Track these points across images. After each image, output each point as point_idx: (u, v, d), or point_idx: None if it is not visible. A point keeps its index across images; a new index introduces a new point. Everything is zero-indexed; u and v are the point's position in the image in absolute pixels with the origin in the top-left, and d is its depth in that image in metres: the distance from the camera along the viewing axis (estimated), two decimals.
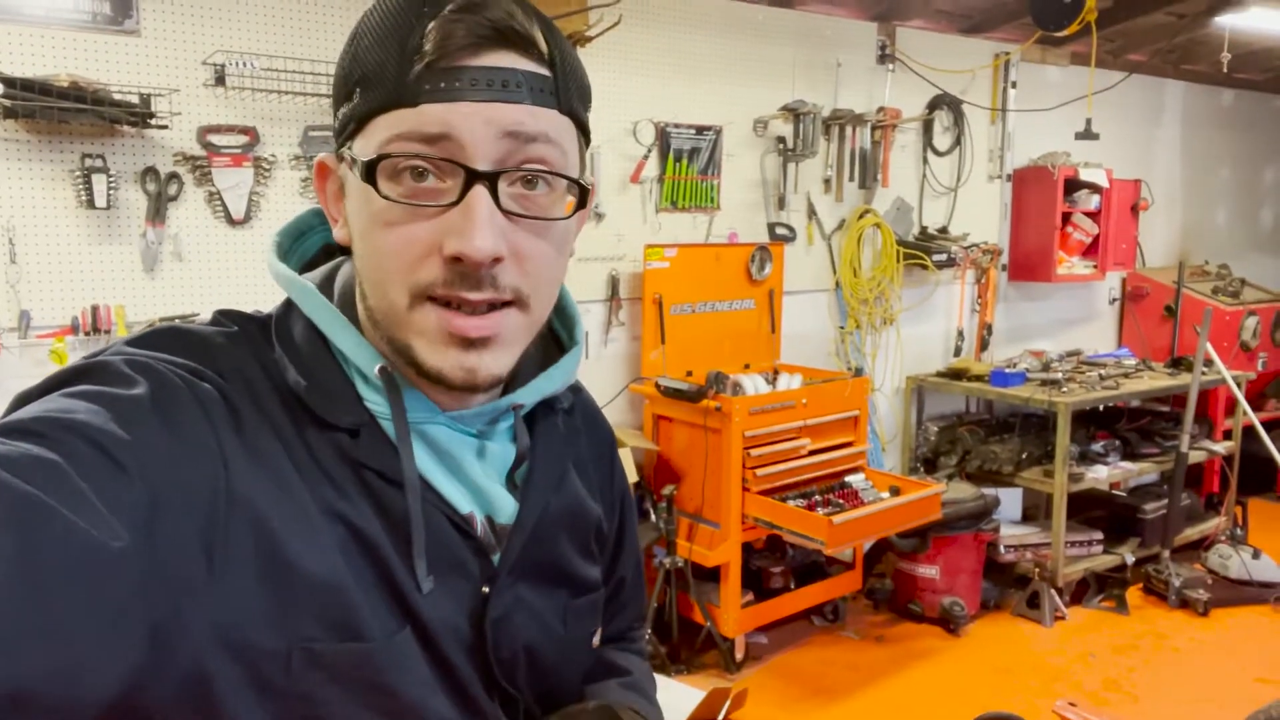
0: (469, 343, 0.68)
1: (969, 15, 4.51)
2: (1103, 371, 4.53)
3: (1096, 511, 4.56)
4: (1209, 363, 4.41)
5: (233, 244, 2.87)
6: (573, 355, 0.83)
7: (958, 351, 4.79)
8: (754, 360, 3.91)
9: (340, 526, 0.68)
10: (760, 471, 3.39)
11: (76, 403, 0.59)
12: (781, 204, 4.05)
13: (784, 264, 3.98)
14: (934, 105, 4.50)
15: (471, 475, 0.76)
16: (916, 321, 4.58)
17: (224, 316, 0.75)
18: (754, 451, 3.38)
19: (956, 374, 4.50)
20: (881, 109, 4.25)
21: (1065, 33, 4.00)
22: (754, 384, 3.57)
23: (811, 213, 4.17)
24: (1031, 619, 3.99)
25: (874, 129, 4.25)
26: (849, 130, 4.18)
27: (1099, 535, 4.33)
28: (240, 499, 0.63)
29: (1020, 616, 4.02)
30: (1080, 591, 4.22)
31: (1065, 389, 4.23)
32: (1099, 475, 4.24)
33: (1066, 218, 4.87)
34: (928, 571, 3.90)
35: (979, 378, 4.41)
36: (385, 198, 0.66)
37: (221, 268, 2.86)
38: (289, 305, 0.75)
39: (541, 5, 0.69)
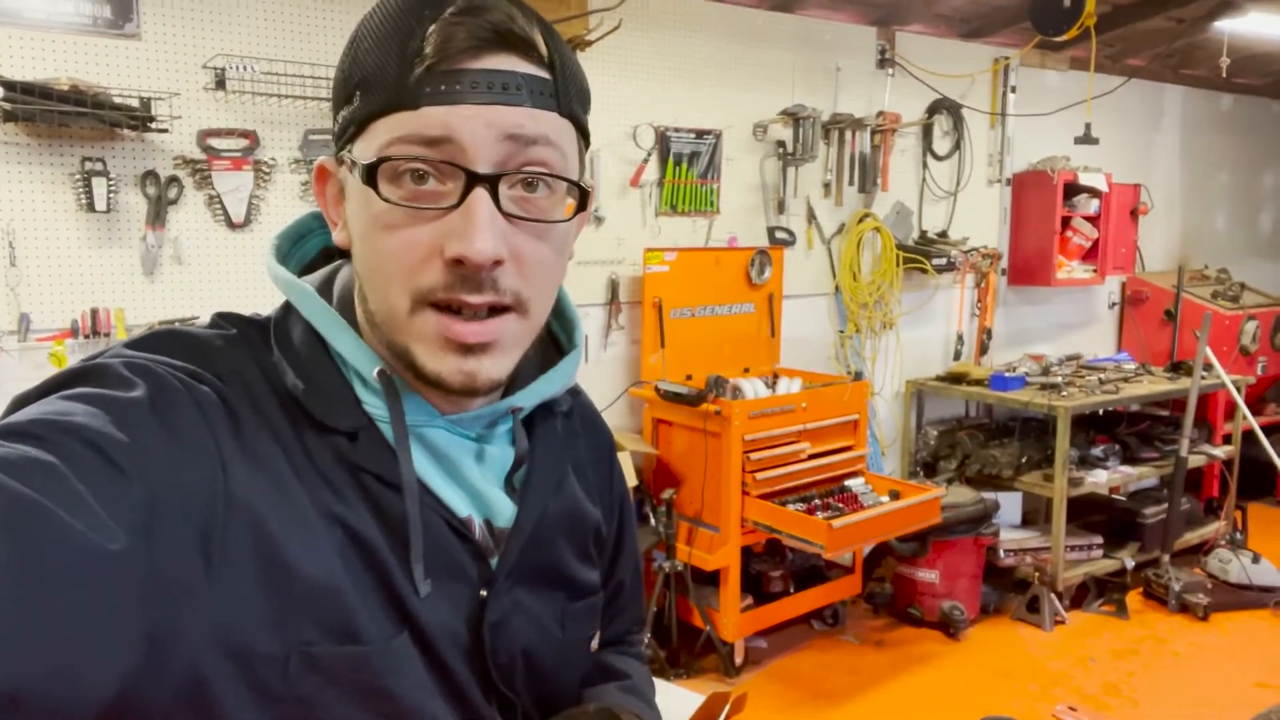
0: (467, 349, 0.68)
1: (968, 20, 4.51)
2: (1102, 376, 4.53)
3: (1096, 516, 4.56)
4: (1208, 367, 4.41)
5: (232, 247, 2.87)
6: (572, 358, 0.83)
7: (957, 355, 4.79)
8: (753, 364, 3.91)
9: (338, 530, 0.67)
10: (760, 475, 3.38)
11: (75, 405, 0.59)
12: (781, 208, 4.05)
13: (784, 268, 3.98)
14: (933, 109, 4.51)
15: (470, 479, 0.75)
16: (916, 325, 4.58)
17: (223, 319, 0.75)
18: (753, 455, 3.38)
19: (956, 378, 4.50)
20: (881, 113, 4.26)
21: (1065, 37, 4.01)
22: (753, 388, 3.57)
23: (811, 217, 4.18)
24: (1031, 623, 3.98)
25: (874, 133, 4.25)
26: (849, 134, 4.18)
27: (1099, 539, 4.32)
28: (239, 502, 0.63)
29: (1020, 621, 4.02)
30: (1080, 596, 4.22)
31: (1065, 393, 4.23)
32: (1099, 479, 4.24)
33: (1066, 222, 4.87)
34: (927, 576, 3.89)
35: (979, 382, 4.41)
36: (386, 200, 0.66)
37: (221, 271, 2.86)
38: (288, 308, 0.75)
39: (542, 9, 0.69)
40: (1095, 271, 4.95)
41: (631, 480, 3.32)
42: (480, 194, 0.65)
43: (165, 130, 2.68)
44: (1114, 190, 4.91)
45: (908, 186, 4.52)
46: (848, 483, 3.62)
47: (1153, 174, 5.64)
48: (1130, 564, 4.29)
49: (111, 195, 2.63)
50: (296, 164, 2.95)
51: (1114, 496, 4.70)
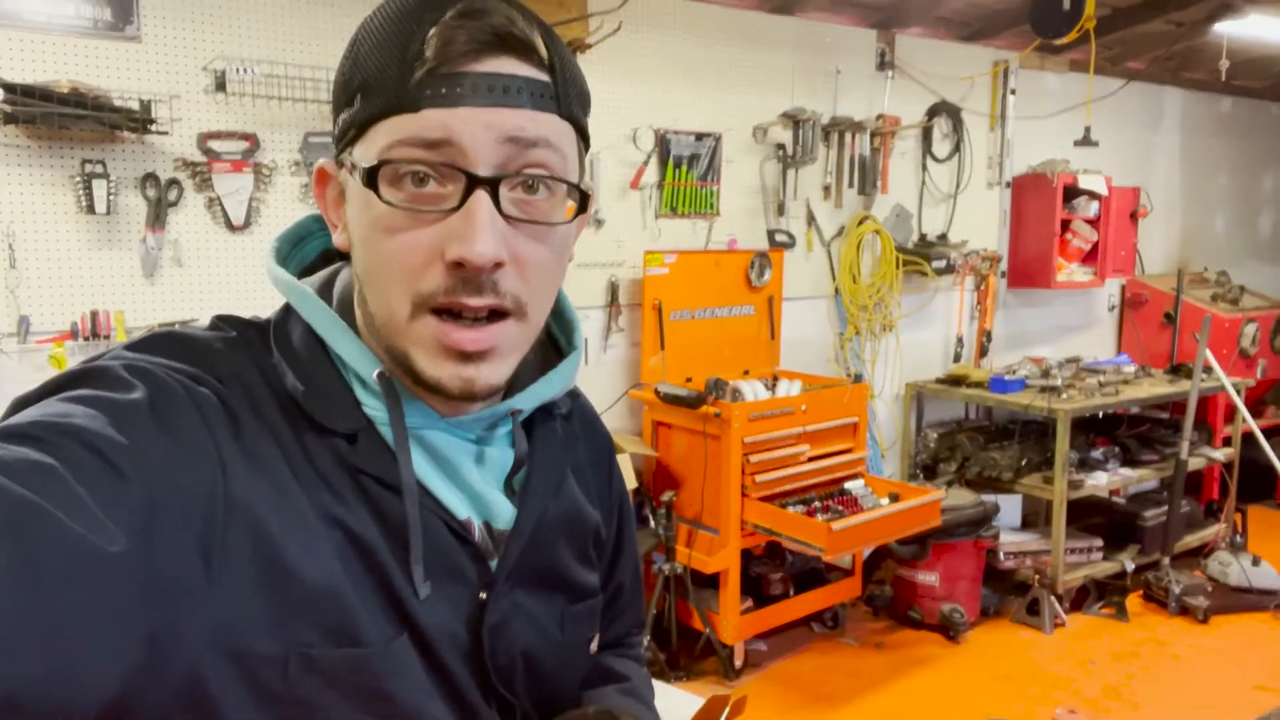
0: (466, 355, 0.68)
1: (968, 23, 4.52)
2: (1102, 378, 4.53)
3: (1096, 518, 4.56)
4: (1208, 369, 4.41)
5: (232, 250, 2.87)
6: (571, 360, 0.83)
7: (957, 358, 4.79)
8: (753, 366, 3.91)
9: (338, 532, 0.68)
10: (759, 478, 3.38)
11: (74, 407, 0.59)
12: (781, 210, 4.06)
13: (783, 270, 3.98)
14: (933, 112, 4.51)
15: (469, 481, 0.75)
16: (916, 328, 4.58)
17: (223, 321, 0.75)
18: (753, 458, 3.38)
19: (956, 380, 4.50)
20: (881, 116, 4.26)
21: (1064, 40, 4.01)
22: (753, 390, 3.57)
23: (811, 219, 4.18)
24: (1031, 626, 3.98)
25: (873, 136, 4.26)
26: (848, 137, 4.18)
27: (1099, 542, 4.32)
28: (238, 504, 0.63)
29: (1020, 623, 4.02)
30: (1080, 598, 4.22)
31: (1064, 396, 4.23)
32: (1099, 482, 4.24)
33: (1065, 224, 4.87)
34: (927, 578, 3.89)
35: (978, 384, 4.41)
36: (386, 203, 0.66)
37: (221, 273, 2.86)
38: (288, 310, 0.76)
39: (542, 12, 0.69)
40: (1095, 274, 4.95)
41: (631, 482, 3.32)
42: (481, 196, 0.65)
43: (165, 132, 2.68)
44: (1113, 193, 4.91)
45: (907, 189, 4.52)
46: (847, 485, 3.62)
47: (1152, 177, 5.65)
48: (1130, 567, 4.29)
49: (111, 197, 2.63)
50: (296, 166, 2.95)
51: (1114, 499, 4.70)
